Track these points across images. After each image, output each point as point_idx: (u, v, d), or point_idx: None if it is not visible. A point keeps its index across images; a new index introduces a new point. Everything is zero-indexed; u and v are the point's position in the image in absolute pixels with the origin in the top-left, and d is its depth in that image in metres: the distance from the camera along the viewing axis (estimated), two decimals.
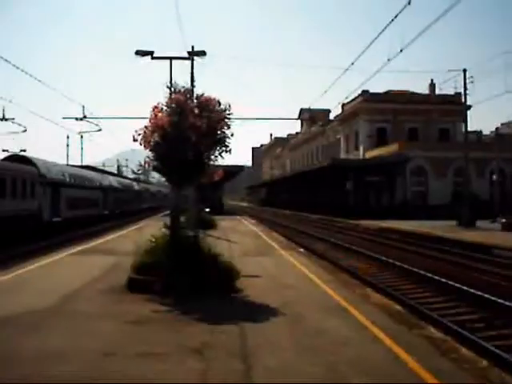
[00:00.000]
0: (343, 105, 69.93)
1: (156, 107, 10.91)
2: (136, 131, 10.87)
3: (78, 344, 7.49)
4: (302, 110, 73.65)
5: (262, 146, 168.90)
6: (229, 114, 11.00)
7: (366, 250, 23.92)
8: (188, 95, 11.00)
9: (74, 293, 11.41)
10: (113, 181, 57.88)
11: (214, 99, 10.95)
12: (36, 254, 21.30)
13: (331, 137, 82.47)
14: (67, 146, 67.86)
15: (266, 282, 12.75)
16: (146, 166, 11.59)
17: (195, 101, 11.02)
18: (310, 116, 69.12)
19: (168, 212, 52.82)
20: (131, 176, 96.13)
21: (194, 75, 22.59)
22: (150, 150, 11.11)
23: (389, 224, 38.53)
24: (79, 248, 21.36)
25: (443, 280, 15.54)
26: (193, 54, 22.88)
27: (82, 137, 59.11)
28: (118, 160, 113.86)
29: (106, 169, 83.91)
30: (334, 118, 79.00)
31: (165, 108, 10.93)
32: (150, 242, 12.13)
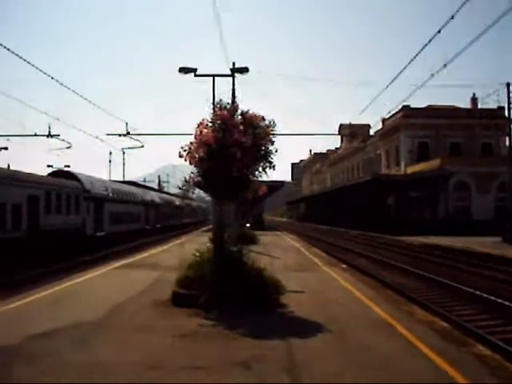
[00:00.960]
0: (383, 120, 69.57)
1: (201, 123, 11.04)
2: (182, 147, 11.05)
3: (125, 357, 7.60)
4: (341, 125, 73.39)
5: (301, 161, 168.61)
6: (273, 130, 11.08)
7: (410, 267, 23.65)
8: (233, 112, 11.11)
9: (120, 306, 11.58)
10: (154, 196, 58.58)
11: (259, 116, 11.04)
12: (81, 268, 21.70)
13: (371, 152, 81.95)
14: (109, 161, 68.91)
15: (309, 297, 12.71)
16: (190, 181, 11.71)
17: (240, 117, 11.13)
18: (349, 131, 68.73)
19: (209, 227, 53.00)
20: (175, 191, 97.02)
21: (236, 92, 22.82)
22: (195, 166, 11.24)
23: (432, 240, 38.00)
24: (123, 262, 21.66)
25: (491, 298, 15.28)
26: (234, 71, 23.09)
27: (123, 153, 59.97)
28: (158, 176, 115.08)
29: (147, 184, 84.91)
30: (375, 133, 78.52)
31: (210, 124, 11.07)
32: (194, 256, 12.23)
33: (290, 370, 6.91)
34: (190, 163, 11.14)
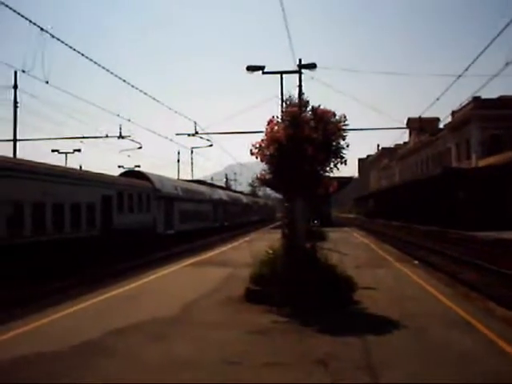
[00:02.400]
0: (453, 112, 67.85)
1: (271, 121, 11.06)
2: (253, 144, 11.10)
3: (201, 352, 7.70)
4: (409, 119, 72.00)
5: (368, 156, 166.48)
6: (344, 125, 10.98)
7: (485, 262, 22.99)
8: (303, 108, 11.08)
9: (194, 302, 11.74)
10: (222, 194, 59.12)
11: (330, 111, 10.96)
12: (153, 266, 22.12)
13: (441, 146, 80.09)
14: (178, 161, 69.99)
15: (383, 294, 12.52)
16: (262, 178, 11.74)
17: (310, 113, 11.08)
18: (418, 125, 67.24)
19: (276, 224, 52.88)
20: (242, 189, 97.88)
21: (303, 88, 22.72)
22: (266, 163, 11.28)
23: (508, 235, 36.78)
24: (194, 260, 21.96)
25: None
26: (301, 67, 23.04)
27: (192, 152, 60.89)
28: (226, 174, 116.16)
29: (215, 182, 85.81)
30: (444, 126, 76.66)
31: (280, 121, 11.07)
32: (266, 253, 12.27)
33: (367, 367, 6.82)
34: (261, 160, 11.19)
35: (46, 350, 7.79)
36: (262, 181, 12.01)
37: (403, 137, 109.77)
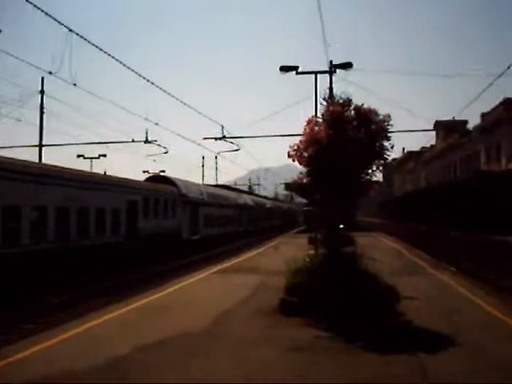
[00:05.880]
0: (483, 114, 66.53)
1: (310, 121, 10.40)
2: (290, 146, 10.45)
3: (243, 373, 7.03)
4: (437, 121, 70.78)
5: (393, 160, 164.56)
6: (388, 126, 10.25)
7: None
8: (345, 107, 10.37)
9: (226, 314, 11.11)
10: (247, 199, 58.55)
11: (374, 110, 10.26)
12: (180, 272, 21.63)
13: (469, 149, 78.70)
14: (202, 166, 69.61)
15: (425, 304, 11.78)
16: (299, 182, 11.11)
17: (352, 112, 10.37)
18: (446, 128, 66.05)
19: (300, 229, 52.05)
20: (270, 194, 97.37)
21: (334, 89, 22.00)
22: (304, 166, 10.61)
23: None
24: (221, 266, 21.36)
25: None
26: (331, 67, 22.32)
27: (216, 157, 60.50)
28: (249, 179, 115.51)
29: (239, 187, 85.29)
30: (473, 128, 75.24)
31: (320, 121, 10.41)
32: (302, 260, 11.59)
33: None
34: (300, 163, 10.52)
35: (72, 367, 7.23)
36: (293, 186, 11.38)
37: (431, 140, 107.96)
